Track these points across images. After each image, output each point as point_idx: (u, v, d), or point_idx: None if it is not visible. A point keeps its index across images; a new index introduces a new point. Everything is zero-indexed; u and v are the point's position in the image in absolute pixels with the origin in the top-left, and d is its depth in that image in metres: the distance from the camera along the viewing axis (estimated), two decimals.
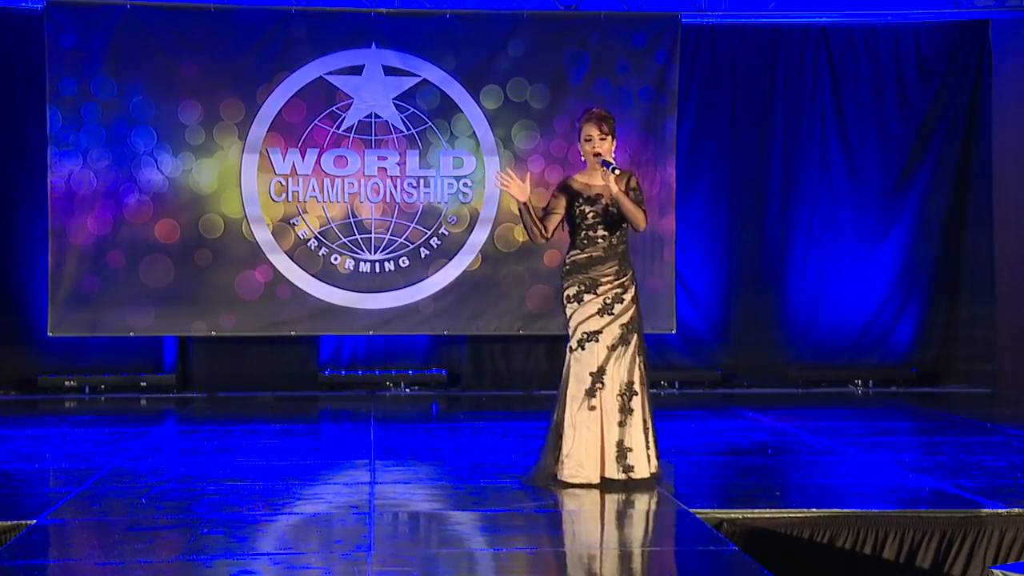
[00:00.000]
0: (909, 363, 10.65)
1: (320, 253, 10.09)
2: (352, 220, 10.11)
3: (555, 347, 10.63)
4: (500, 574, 4.54)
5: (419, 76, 10.11)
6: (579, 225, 5.95)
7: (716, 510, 5.38)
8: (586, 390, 5.82)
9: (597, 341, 5.84)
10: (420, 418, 8.91)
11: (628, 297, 5.95)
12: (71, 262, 9.86)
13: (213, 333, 10.09)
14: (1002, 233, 10.50)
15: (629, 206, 5.85)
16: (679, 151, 10.34)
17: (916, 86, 10.60)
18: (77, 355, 10.19)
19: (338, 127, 10.07)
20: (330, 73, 10.06)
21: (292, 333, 10.19)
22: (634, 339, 5.89)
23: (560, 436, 5.86)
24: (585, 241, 5.94)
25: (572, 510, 5.55)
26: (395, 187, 10.13)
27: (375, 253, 10.14)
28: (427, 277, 10.15)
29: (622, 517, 5.47)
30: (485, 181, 10.16)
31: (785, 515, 5.37)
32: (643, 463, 5.82)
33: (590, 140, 5.88)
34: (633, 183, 5.94)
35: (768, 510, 5.40)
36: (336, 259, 10.10)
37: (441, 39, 10.12)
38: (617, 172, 5.81)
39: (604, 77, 10.21)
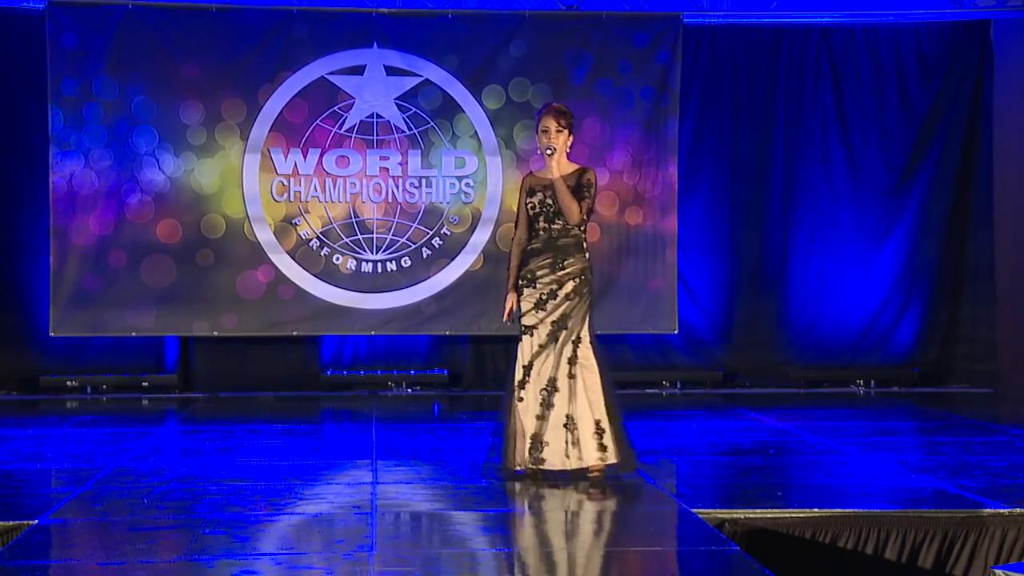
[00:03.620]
0: (911, 363, 10.65)
1: (322, 253, 10.09)
2: (354, 220, 10.11)
3: None
4: (501, 574, 4.54)
5: (421, 76, 10.11)
6: (530, 217, 6.12)
7: (718, 510, 5.38)
8: (518, 382, 5.99)
9: (532, 336, 6.01)
10: (422, 418, 8.91)
11: (562, 293, 6.01)
12: (73, 262, 9.86)
13: (215, 333, 10.09)
14: (1003, 233, 10.49)
15: (564, 195, 5.96)
16: (681, 151, 10.34)
17: (917, 86, 10.60)
18: (79, 355, 10.19)
19: (340, 127, 10.07)
20: (332, 73, 10.06)
21: (294, 333, 10.19)
22: (562, 336, 5.95)
23: (505, 425, 6.04)
24: (533, 233, 6.12)
25: (574, 510, 5.55)
26: (397, 187, 10.13)
27: (377, 253, 10.14)
28: (429, 277, 10.15)
29: (624, 517, 5.47)
30: (487, 181, 10.16)
31: (787, 515, 5.37)
32: (559, 456, 5.88)
33: (546, 132, 6.00)
34: (585, 180, 6.02)
35: (770, 510, 5.40)
36: (338, 259, 10.10)
37: (443, 39, 10.12)
38: (549, 152, 5.94)
39: (606, 77, 10.21)
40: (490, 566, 4.64)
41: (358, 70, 10.09)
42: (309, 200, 10.06)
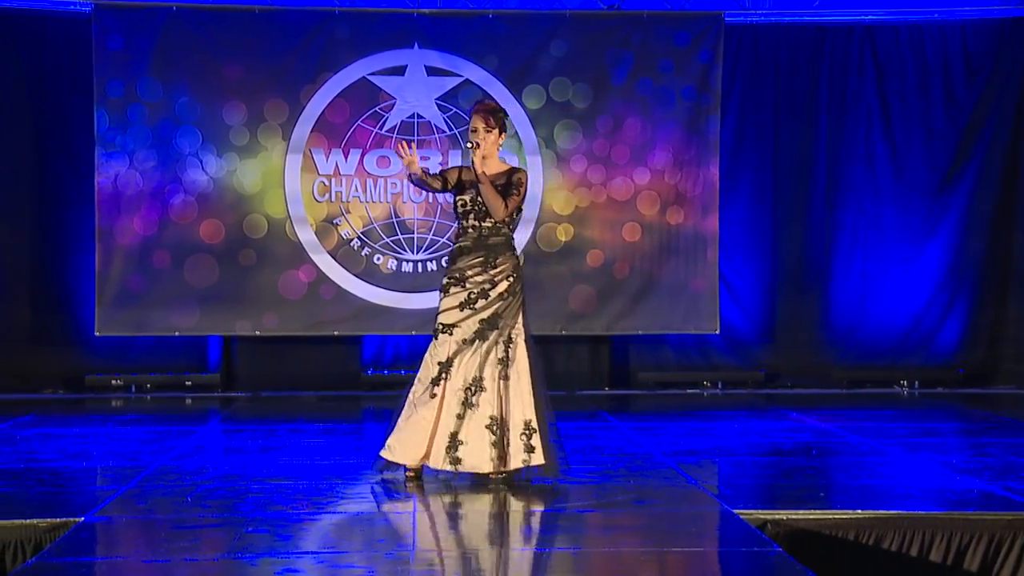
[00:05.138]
0: (955, 363, 10.55)
1: (363, 253, 10.13)
2: (395, 220, 10.14)
3: (597, 347, 10.62)
4: (543, 574, 4.53)
5: (461, 76, 10.13)
6: (458, 215, 6.05)
7: (760, 511, 5.34)
8: (432, 378, 5.89)
9: (450, 334, 5.92)
10: None
11: (495, 293, 5.93)
12: (118, 262, 9.96)
13: (257, 333, 10.15)
14: None
15: (487, 191, 5.89)
16: (722, 150, 10.30)
17: (963, 84, 10.50)
18: (124, 354, 10.29)
19: (381, 127, 10.11)
20: (373, 74, 10.10)
21: (335, 333, 10.24)
22: (492, 335, 5.87)
23: (400, 419, 5.94)
24: (461, 231, 6.04)
25: (614, 511, 5.53)
26: None
27: (417, 253, 10.17)
28: None
29: (664, 518, 5.44)
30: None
31: (830, 516, 5.33)
32: (479, 457, 5.80)
33: (475, 132, 5.94)
34: (515, 179, 5.96)
35: (813, 511, 5.36)
36: (379, 259, 10.14)
37: (483, 39, 10.13)
38: (468, 146, 5.90)
39: (647, 76, 10.19)
40: (530, 566, 4.63)
41: (399, 70, 10.13)
42: (350, 200, 10.10)
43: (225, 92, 9.99)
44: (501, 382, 5.86)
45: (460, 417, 5.83)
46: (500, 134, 5.99)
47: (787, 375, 10.62)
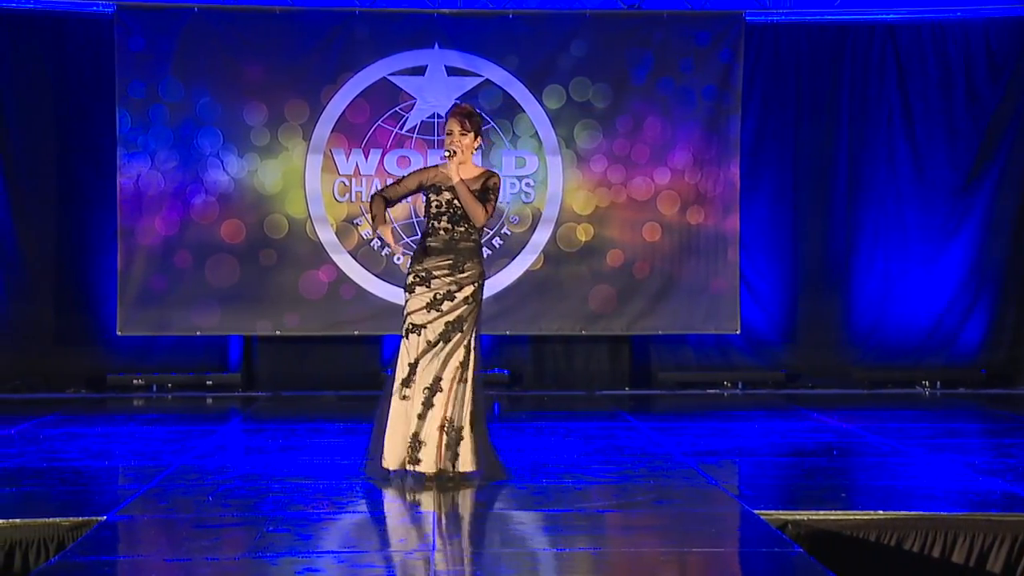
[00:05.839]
0: (978, 364, 10.50)
1: (383, 253, 10.15)
2: (415, 220, 10.15)
3: (617, 347, 10.61)
4: (562, 574, 4.53)
5: (482, 76, 10.13)
6: (428, 214, 6.04)
7: (781, 512, 5.33)
8: (403, 379, 5.91)
9: (419, 334, 5.92)
10: None
11: (460, 296, 5.94)
12: (139, 262, 10.01)
13: (277, 332, 10.18)
14: None
15: (467, 197, 5.90)
16: (743, 150, 10.27)
17: (986, 83, 10.44)
18: (145, 354, 10.34)
19: (401, 127, 10.12)
20: (393, 74, 10.12)
21: (355, 332, 10.26)
22: (456, 338, 5.89)
23: (386, 423, 5.94)
24: (430, 231, 6.03)
25: (634, 511, 5.53)
26: None
27: None
28: (489, 277, 10.13)
29: (685, 518, 5.44)
30: (547, 181, 10.16)
31: (851, 517, 5.31)
32: (431, 459, 5.83)
33: (451, 135, 5.94)
34: (491, 183, 5.98)
35: (834, 512, 5.34)
36: (399, 259, 10.15)
37: (503, 39, 10.14)
38: (446, 154, 5.88)
39: (667, 76, 10.17)
40: (550, 566, 4.63)
41: (419, 71, 10.14)
42: None
43: (246, 92, 10.02)
44: (460, 385, 5.89)
45: (421, 417, 5.87)
46: (476, 138, 5.99)
47: (808, 375, 10.58)
